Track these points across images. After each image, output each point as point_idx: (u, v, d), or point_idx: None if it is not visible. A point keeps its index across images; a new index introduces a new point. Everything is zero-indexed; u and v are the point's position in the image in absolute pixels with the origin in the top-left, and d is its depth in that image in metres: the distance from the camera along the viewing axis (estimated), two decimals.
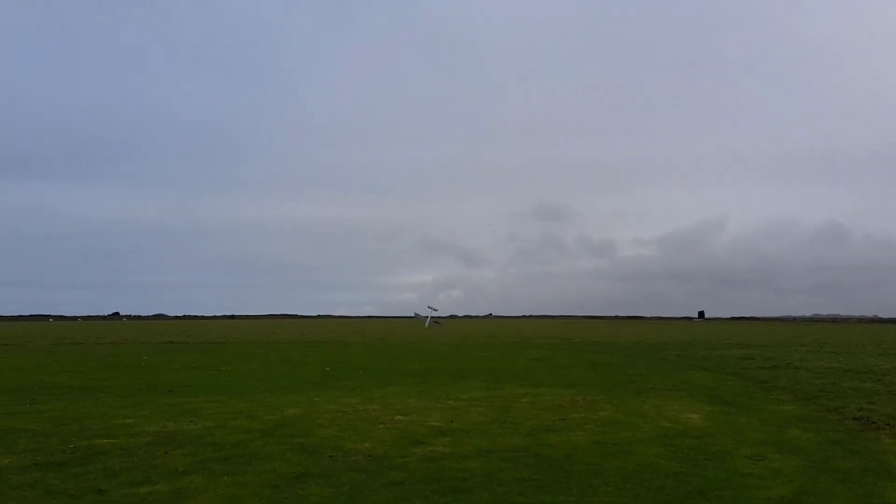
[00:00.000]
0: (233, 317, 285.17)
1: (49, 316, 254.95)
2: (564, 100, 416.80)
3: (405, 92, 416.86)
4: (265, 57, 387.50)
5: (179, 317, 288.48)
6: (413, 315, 37.16)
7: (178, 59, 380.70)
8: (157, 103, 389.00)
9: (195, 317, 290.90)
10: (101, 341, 54.64)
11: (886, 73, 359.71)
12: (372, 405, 15.64)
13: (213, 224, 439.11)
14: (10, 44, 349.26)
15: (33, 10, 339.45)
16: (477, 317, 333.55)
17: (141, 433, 12.21)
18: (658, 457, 10.46)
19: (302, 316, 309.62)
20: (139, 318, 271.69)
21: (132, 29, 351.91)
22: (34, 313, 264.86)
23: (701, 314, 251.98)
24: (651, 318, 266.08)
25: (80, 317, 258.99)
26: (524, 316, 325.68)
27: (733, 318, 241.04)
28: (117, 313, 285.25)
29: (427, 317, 31.81)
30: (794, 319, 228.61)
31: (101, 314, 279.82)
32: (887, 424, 13.29)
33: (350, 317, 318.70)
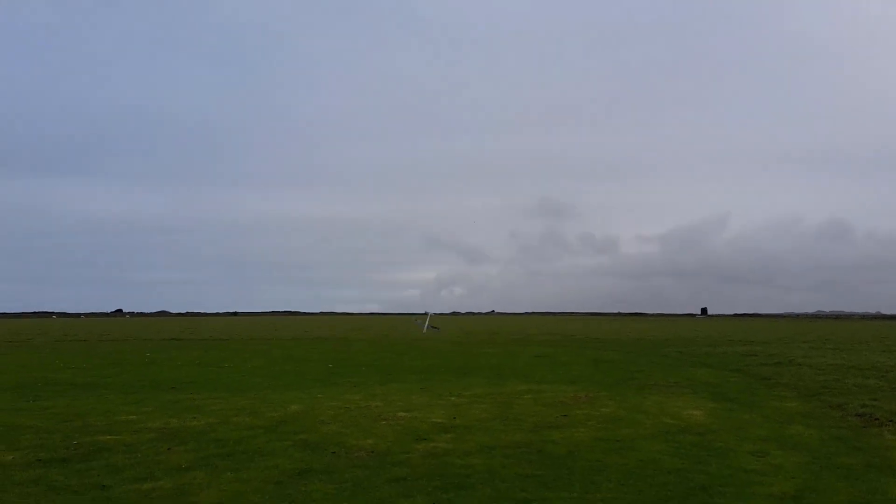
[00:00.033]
0: (235, 314, 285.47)
1: (52, 313, 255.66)
2: (567, 96, 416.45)
3: (407, 88, 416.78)
4: (267, 54, 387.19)
5: (182, 314, 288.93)
6: (414, 316, 37.09)
7: (181, 57, 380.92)
8: (160, 100, 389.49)
9: (198, 314, 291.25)
10: (104, 338, 54.75)
11: (890, 71, 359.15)
12: (374, 402, 15.65)
13: (216, 221, 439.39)
14: (13, 41, 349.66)
15: (36, 8, 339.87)
16: (479, 313, 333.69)
17: (144, 430, 12.24)
18: (660, 453, 10.45)
19: (304, 313, 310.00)
20: (142, 315, 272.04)
21: (135, 26, 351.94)
22: (37, 310, 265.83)
23: (703, 311, 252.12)
24: (653, 314, 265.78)
25: (84, 314, 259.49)
26: (526, 313, 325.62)
27: (736, 315, 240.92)
28: (120, 310, 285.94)
29: (424, 321, 31.78)
30: (796, 316, 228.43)
31: (104, 311, 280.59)
32: (890, 421, 13.28)
33: (353, 314, 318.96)
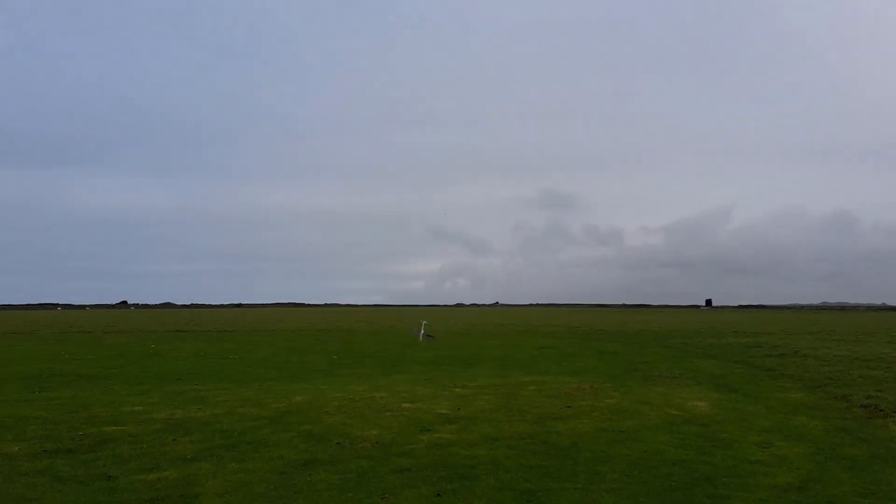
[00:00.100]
0: (240, 305, 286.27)
1: (57, 305, 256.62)
2: (572, 88, 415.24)
3: (411, 80, 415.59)
4: (274, 48, 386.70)
5: (187, 305, 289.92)
6: (413, 329, 37.22)
7: (190, 49, 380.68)
8: (165, 95, 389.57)
9: (202, 305, 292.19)
10: (109, 330, 54.96)
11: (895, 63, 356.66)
12: (379, 393, 15.68)
13: (221, 213, 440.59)
14: (21, 35, 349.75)
15: (46, 2, 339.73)
16: (483, 305, 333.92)
17: (149, 420, 12.28)
18: (665, 444, 10.45)
19: (309, 304, 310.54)
20: (147, 306, 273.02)
21: (144, 17, 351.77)
22: (43, 302, 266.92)
23: (708, 302, 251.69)
24: (658, 306, 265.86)
25: (88, 305, 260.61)
26: (531, 304, 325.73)
27: (741, 307, 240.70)
28: (125, 302, 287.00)
29: (420, 331, 31.84)
30: (801, 307, 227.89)
31: (108, 303, 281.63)
32: (895, 412, 13.25)
33: (357, 305, 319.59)
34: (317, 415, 12.80)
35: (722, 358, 26.12)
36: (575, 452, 9.88)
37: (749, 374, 20.25)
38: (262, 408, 13.62)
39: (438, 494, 7.85)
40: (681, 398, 15.12)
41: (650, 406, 13.96)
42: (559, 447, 10.21)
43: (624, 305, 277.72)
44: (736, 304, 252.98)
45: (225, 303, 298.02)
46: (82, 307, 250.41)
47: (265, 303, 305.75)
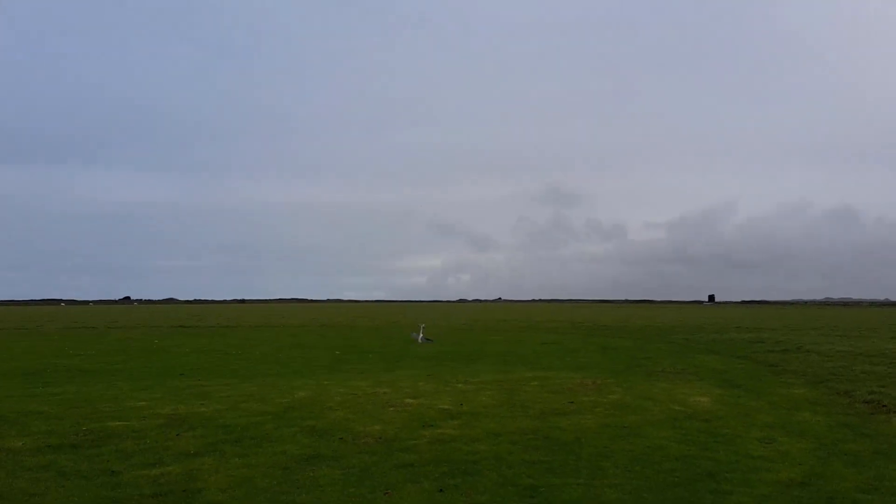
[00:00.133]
0: (243, 301, 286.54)
1: (61, 300, 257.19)
2: (573, 86, 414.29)
3: (415, 76, 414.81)
4: (278, 45, 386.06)
5: (190, 301, 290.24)
6: (412, 332, 37.25)
7: (193, 44, 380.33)
8: (170, 90, 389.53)
9: (206, 301, 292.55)
10: (112, 325, 55.07)
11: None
12: (382, 388, 15.69)
13: (224, 209, 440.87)
14: (27, 32, 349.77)
15: (46, 2, 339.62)
16: (486, 301, 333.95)
17: (153, 416, 12.30)
18: (667, 440, 10.45)
19: (312, 300, 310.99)
20: (150, 302, 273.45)
21: (144, 17, 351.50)
22: (46, 298, 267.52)
23: (711, 298, 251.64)
24: (661, 301, 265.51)
25: (92, 301, 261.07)
26: (533, 300, 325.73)
27: (744, 302, 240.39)
28: (128, 298, 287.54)
29: (418, 334, 31.83)
30: (805, 303, 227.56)
31: (112, 298, 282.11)
32: None
33: (360, 301, 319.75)
34: (320, 410, 12.82)
35: (724, 353, 26.11)
36: (578, 448, 9.88)
37: (752, 370, 20.24)
38: (264, 403, 13.63)
39: (441, 490, 7.86)
40: (683, 394, 15.11)
41: (653, 402, 13.95)
42: (562, 443, 10.21)
43: (627, 301, 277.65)
44: (739, 300, 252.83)
45: (228, 298, 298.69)
46: (85, 303, 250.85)
47: (268, 298, 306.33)
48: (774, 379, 18.06)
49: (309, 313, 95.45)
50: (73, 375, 19.21)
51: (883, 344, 29.57)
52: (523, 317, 76.73)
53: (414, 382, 16.82)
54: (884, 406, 13.43)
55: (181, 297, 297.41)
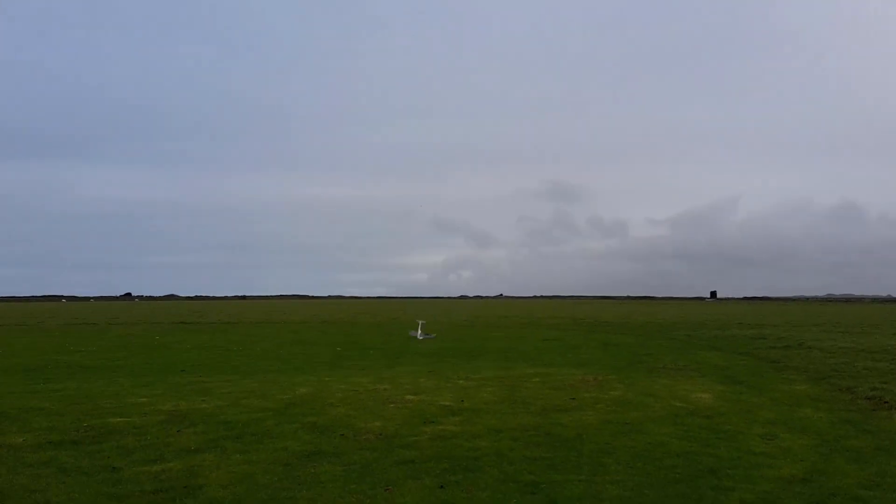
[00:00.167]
0: (244, 297, 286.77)
1: (62, 297, 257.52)
2: (577, 81, 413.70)
3: (416, 74, 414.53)
4: (277, 44, 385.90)
5: (191, 297, 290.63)
6: (411, 330, 37.10)
7: (193, 44, 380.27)
8: (170, 85, 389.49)
9: (207, 297, 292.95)
10: (113, 322, 55.12)
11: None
12: (383, 385, 15.68)
13: (225, 205, 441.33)
14: (28, 29, 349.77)
15: (46, 2, 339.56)
16: (488, 297, 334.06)
17: (154, 412, 12.30)
18: (669, 436, 10.43)
19: (313, 297, 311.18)
20: (151, 298, 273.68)
21: (144, 16, 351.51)
22: (47, 294, 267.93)
23: (713, 294, 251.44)
24: (662, 298, 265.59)
25: (93, 297, 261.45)
26: (535, 296, 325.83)
27: (746, 299, 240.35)
28: (129, 294, 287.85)
29: (417, 331, 31.77)
30: (807, 299, 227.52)
31: (113, 295, 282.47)
32: None
33: (361, 297, 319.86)
34: (321, 406, 12.81)
35: (726, 350, 26.08)
36: (579, 444, 9.86)
37: (753, 366, 20.21)
38: (266, 399, 13.63)
39: (442, 486, 7.85)
40: (685, 390, 15.09)
41: (654, 398, 13.93)
42: (563, 439, 10.20)
43: (629, 297, 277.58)
44: (741, 296, 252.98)
45: (229, 295, 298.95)
46: (87, 299, 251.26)
47: (269, 295, 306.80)
48: (776, 375, 18.03)
49: (310, 310, 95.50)
50: (74, 372, 19.22)
51: (885, 340, 29.54)
52: (524, 313, 76.74)
53: (415, 379, 16.81)
54: (886, 402, 13.40)
55: (182, 294, 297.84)
